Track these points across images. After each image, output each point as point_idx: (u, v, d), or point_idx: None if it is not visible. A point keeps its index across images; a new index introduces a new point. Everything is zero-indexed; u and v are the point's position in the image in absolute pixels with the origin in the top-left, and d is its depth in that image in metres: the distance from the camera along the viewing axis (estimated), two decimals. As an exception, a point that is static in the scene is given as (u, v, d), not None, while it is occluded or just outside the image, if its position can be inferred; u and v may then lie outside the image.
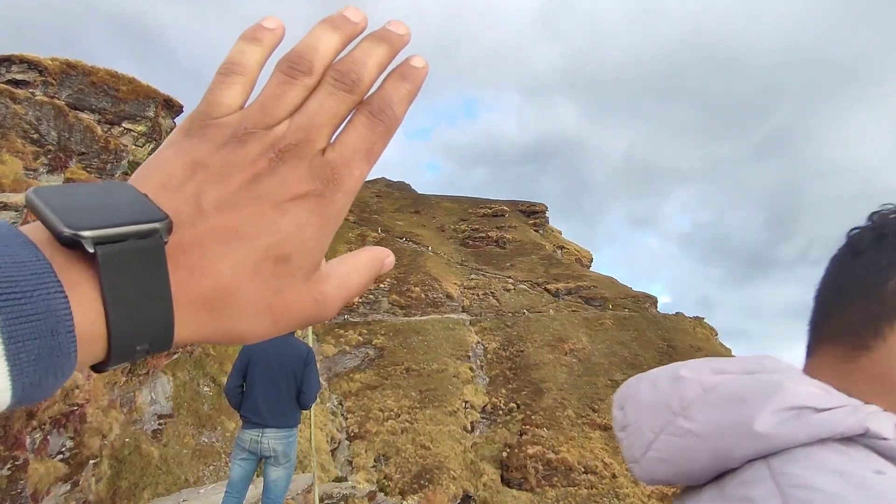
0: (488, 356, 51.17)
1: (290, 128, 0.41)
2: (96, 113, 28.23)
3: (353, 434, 36.20)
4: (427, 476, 32.77)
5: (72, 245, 0.32)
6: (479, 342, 52.91)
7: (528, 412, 42.18)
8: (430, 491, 30.68)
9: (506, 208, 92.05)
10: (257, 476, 4.98)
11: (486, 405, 43.60)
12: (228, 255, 0.37)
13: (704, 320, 67.06)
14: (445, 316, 55.65)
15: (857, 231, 0.80)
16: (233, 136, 0.40)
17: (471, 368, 47.27)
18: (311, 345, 5.35)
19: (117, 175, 28.98)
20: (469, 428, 40.10)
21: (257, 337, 0.40)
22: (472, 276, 67.45)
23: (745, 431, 0.64)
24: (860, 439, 0.60)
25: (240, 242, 0.37)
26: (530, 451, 36.79)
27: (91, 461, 18.68)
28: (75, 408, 17.92)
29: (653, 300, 67.24)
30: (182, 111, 34.92)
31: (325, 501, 12.57)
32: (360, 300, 54.32)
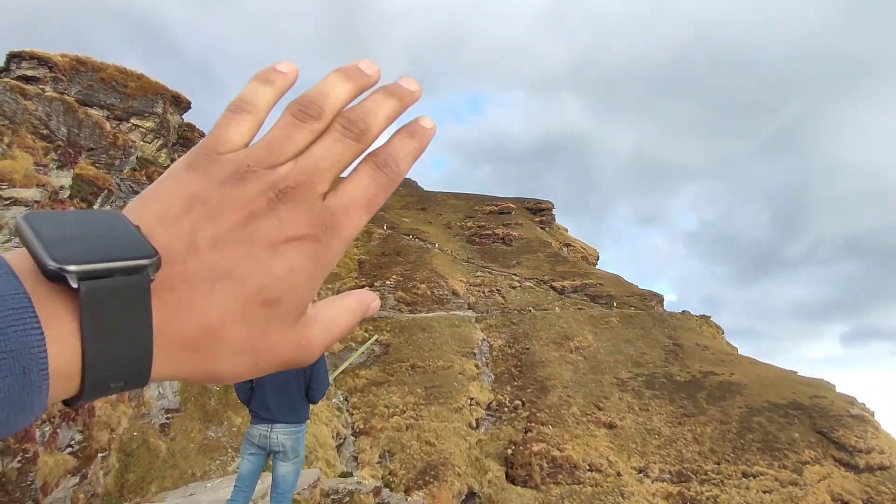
0: (494, 353, 51.16)
1: (294, 169, 0.41)
2: (105, 109, 28.43)
3: (358, 430, 36.33)
4: (432, 472, 32.85)
5: (56, 279, 0.31)
6: (484, 339, 52.91)
7: (533, 409, 42.17)
8: (434, 487, 30.76)
9: (512, 206, 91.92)
10: (265, 471, 5.01)
11: (491, 402, 43.62)
12: (217, 294, 0.36)
13: (710, 319, 66.80)
14: (451, 313, 55.67)
15: None
16: (234, 173, 0.40)
17: (476, 365, 47.28)
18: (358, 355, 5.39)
19: (126, 171, 29.17)
20: (474, 425, 40.13)
21: (237, 377, 0.40)
22: (478, 273, 67.40)
23: None
24: None
25: (230, 282, 0.37)
26: (535, 448, 36.79)
27: (100, 454, 18.87)
28: (84, 402, 18.06)
29: (659, 298, 67.02)
30: (190, 107, 35.09)
31: (331, 496, 12.63)
32: (366, 297, 54.35)
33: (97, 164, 25.76)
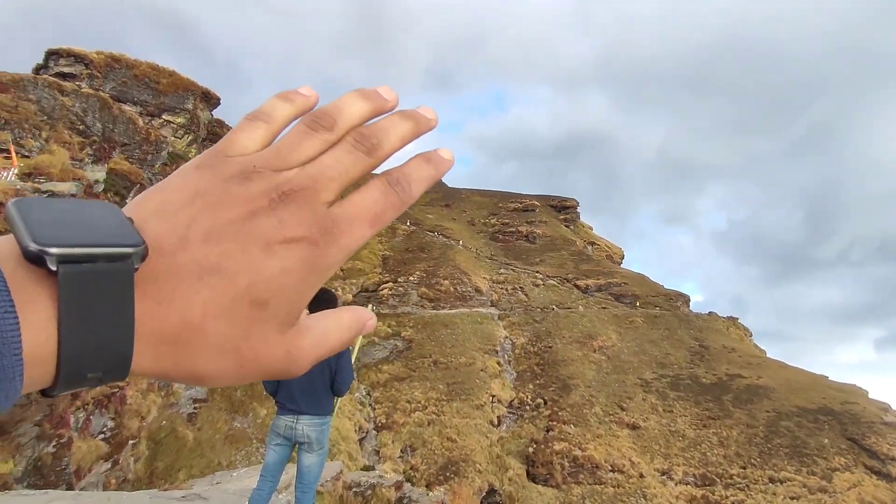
0: (516, 351, 51.03)
1: (300, 174, 0.41)
2: (138, 105, 29.10)
3: (380, 424, 36.62)
4: (453, 468, 32.96)
5: (37, 261, 0.31)
6: (507, 337, 52.80)
7: (555, 408, 41.96)
8: (455, 483, 30.85)
9: (536, 203, 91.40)
10: (291, 462, 5.10)
11: (513, 400, 43.55)
12: (203, 289, 0.36)
13: (738, 320, 65.53)
14: (474, 310, 55.66)
15: None
16: (241, 173, 0.40)
17: (498, 363, 47.23)
18: (353, 358, 5.44)
19: (157, 166, 29.85)
20: (495, 422, 40.12)
21: (219, 380, 0.38)
22: (502, 270, 67.24)
23: None
24: None
25: (218, 277, 0.36)
26: (557, 447, 36.61)
27: (130, 441, 19.42)
28: (116, 390, 18.61)
29: (685, 299, 65.99)
30: (219, 103, 35.68)
31: (353, 489, 12.78)
32: (390, 292, 54.77)
33: (130, 159, 26.40)
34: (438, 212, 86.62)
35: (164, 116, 30.48)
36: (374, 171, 0.45)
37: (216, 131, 36.22)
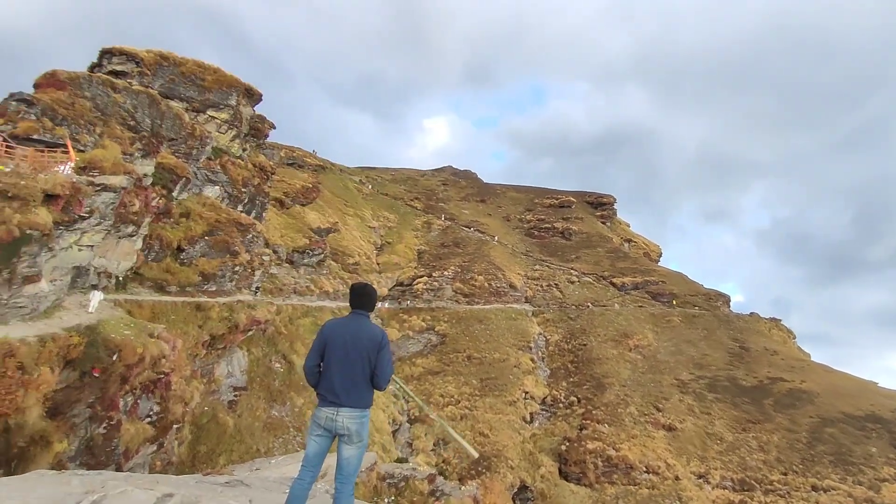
0: (550, 348, 50.74)
1: None
2: (184, 101, 30.05)
3: (413, 417, 37.01)
4: (485, 464, 33.08)
5: None
6: (541, 333, 52.54)
7: (588, 407, 41.59)
8: (487, 478, 30.97)
9: (572, 199, 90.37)
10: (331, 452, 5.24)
11: (546, 397, 43.36)
12: None
13: (781, 322, 63.47)
14: (508, 306, 55.56)
15: None
16: None
17: (532, 359, 47.06)
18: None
19: (202, 160, 30.76)
20: (528, 419, 40.04)
21: None
22: (537, 266, 66.86)
23: None
24: None
25: None
26: (590, 446, 36.32)
27: (175, 426, 20.16)
28: (162, 376, 19.35)
29: (725, 298, 64.29)
30: (261, 99, 36.48)
31: (387, 480, 13.03)
32: (425, 286, 55.13)
33: (176, 154, 27.30)
34: (474, 207, 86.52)
35: (208, 112, 31.38)
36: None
37: (258, 126, 37.07)
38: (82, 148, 20.70)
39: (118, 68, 27.41)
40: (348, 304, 5.12)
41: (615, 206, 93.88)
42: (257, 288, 30.93)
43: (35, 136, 19.60)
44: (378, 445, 28.62)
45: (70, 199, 16.79)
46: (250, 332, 27.25)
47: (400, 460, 24.41)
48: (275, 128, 40.41)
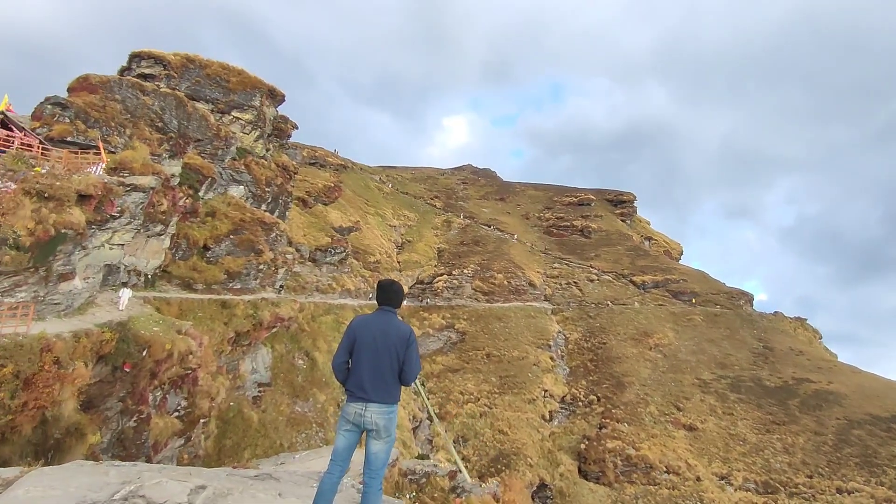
0: (569, 346, 50.56)
1: None
2: (210, 103, 30.66)
3: (433, 414, 37.23)
4: (504, 461, 33.19)
5: None
6: (560, 332, 52.38)
7: (608, 405, 41.39)
8: (506, 476, 31.07)
9: (592, 197, 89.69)
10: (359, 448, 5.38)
11: (565, 395, 43.26)
12: None
13: (807, 321, 62.29)
14: (527, 304, 55.50)
15: None
16: None
17: (551, 358, 46.98)
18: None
19: (227, 160, 31.36)
20: (548, 417, 40.02)
21: None
22: (556, 264, 66.60)
23: None
24: None
25: None
26: (609, 445, 36.17)
27: (201, 420, 20.67)
28: (189, 371, 19.85)
29: (748, 297, 63.26)
30: (284, 100, 37.00)
31: (409, 476, 13.23)
32: (445, 284, 55.35)
33: (202, 154, 27.89)
34: (493, 205, 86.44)
35: (233, 113, 31.97)
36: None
37: (281, 127, 37.64)
38: (113, 149, 21.29)
39: (146, 71, 28.08)
40: (375, 300, 5.24)
41: (635, 204, 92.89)
42: (281, 286, 31.45)
43: (69, 139, 20.22)
44: (399, 442, 28.93)
45: (102, 199, 17.34)
46: (274, 329, 27.74)
47: (421, 457, 24.66)
48: (297, 128, 40.97)
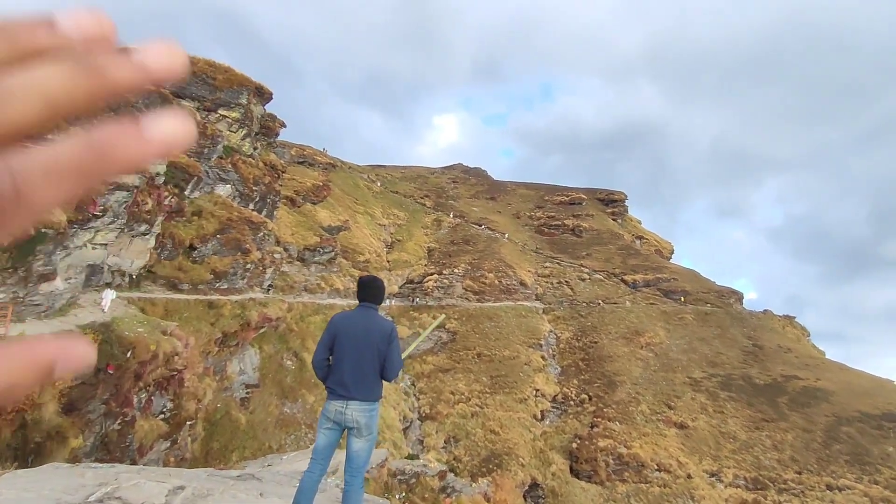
0: (561, 346, 50.56)
1: None
2: (196, 101, 30.29)
3: (424, 414, 37.06)
4: (496, 461, 33.06)
5: None
6: (551, 331, 52.36)
7: (600, 405, 41.40)
8: (498, 476, 30.94)
9: (583, 196, 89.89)
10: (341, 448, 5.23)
11: (557, 395, 43.22)
12: None
13: (795, 319, 62.78)
14: (518, 303, 55.41)
15: None
16: None
17: (543, 357, 46.92)
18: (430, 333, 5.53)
19: (213, 159, 31.00)
20: (539, 416, 39.94)
21: None
22: (547, 264, 66.62)
23: None
24: None
25: None
26: (601, 444, 36.16)
27: (188, 422, 20.33)
28: (175, 373, 19.51)
29: (738, 296, 63.66)
30: (271, 98, 36.66)
31: (398, 476, 13.06)
32: (435, 284, 55.14)
33: (188, 153, 27.53)
34: (484, 204, 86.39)
35: (219, 111, 31.62)
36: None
37: (268, 125, 37.30)
38: (96, 147, 20.87)
39: (130, 68, 27.56)
40: (356, 297, 5.11)
41: (626, 203, 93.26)
42: (269, 286, 31.13)
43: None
44: (389, 442, 28.70)
45: (83, 197, 16.96)
46: (262, 330, 27.43)
47: (411, 457, 24.46)
48: (285, 126, 40.62)
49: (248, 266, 28.05)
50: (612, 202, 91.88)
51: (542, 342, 49.23)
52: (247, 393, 24.72)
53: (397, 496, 12.29)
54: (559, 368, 47.34)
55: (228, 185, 31.18)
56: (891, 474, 33.98)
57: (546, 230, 79.59)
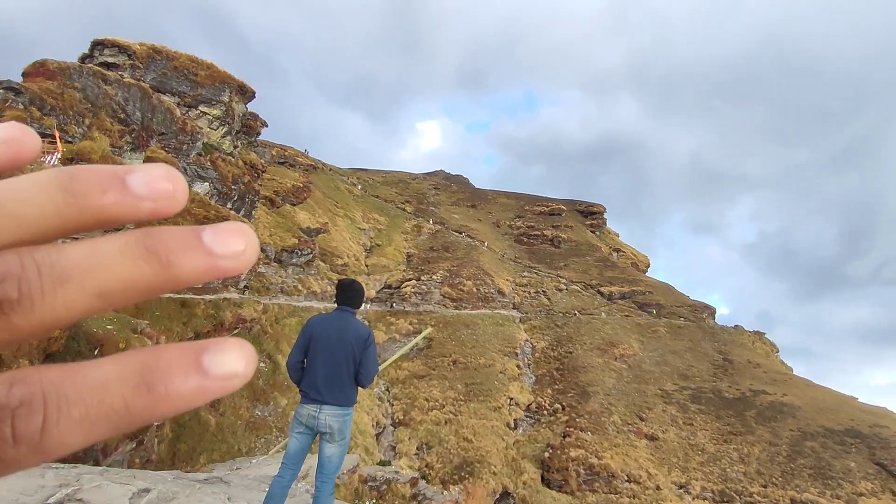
0: (536, 355, 50.79)
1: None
2: (176, 96, 29.84)
3: (397, 421, 36.83)
4: (468, 469, 32.98)
5: None
6: (527, 340, 52.58)
7: (573, 414, 41.64)
8: (470, 483, 30.86)
9: (563, 207, 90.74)
10: (313, 453, 5.16)
11: (530, 404, 43.35)
12: None
13: (765, 335, 64.09)
14: (496, 311, 55.57)
15: None
16: None
17: (518, 366, 47.06)
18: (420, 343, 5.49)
19: (192, 156, 30.54)
20: (512, 425, 40.00)
21: None
22: (525, 273, 66.97)
23: None
24: None
25: None
26: (573, 453, 36.34)
27: (155, 423, 19.89)
28: (143, 372, 19.12)
29: (711, 311, 64.85)
30: (254, 97, 36.30)
31: (369, 483, 12.92)
32: (413, 290, 54.99)
33: (166, 149, 27.08)
34: (464, 212, 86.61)
35: (200, 108, 31.18)
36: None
37: (250, 124, 36.90)
38: (70, 139, 20.45)
39: (110, 60, 27.12)
40: (334, 300, 5.06)
41: (605, 216, 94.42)
42: (245, 286, 30.71)
43: (22, 126, 19.31)
44: (361, 448, 28.44)
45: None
46: (236, 331, 27.01)
47: (382, 463, 24.26)
48: (267, 126, 40.25)
49: (224, 265, 27.61)
50: (591, 214, 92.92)
51: (518, 351, 49.39)
52: (217, 394, 24.26)
53: (367, 503, 12.17)
54: (534, 378, 47.53)
55: (206, 183, 30.74)
56: (852, 489, 34.80)
57: (525, 240, 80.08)
